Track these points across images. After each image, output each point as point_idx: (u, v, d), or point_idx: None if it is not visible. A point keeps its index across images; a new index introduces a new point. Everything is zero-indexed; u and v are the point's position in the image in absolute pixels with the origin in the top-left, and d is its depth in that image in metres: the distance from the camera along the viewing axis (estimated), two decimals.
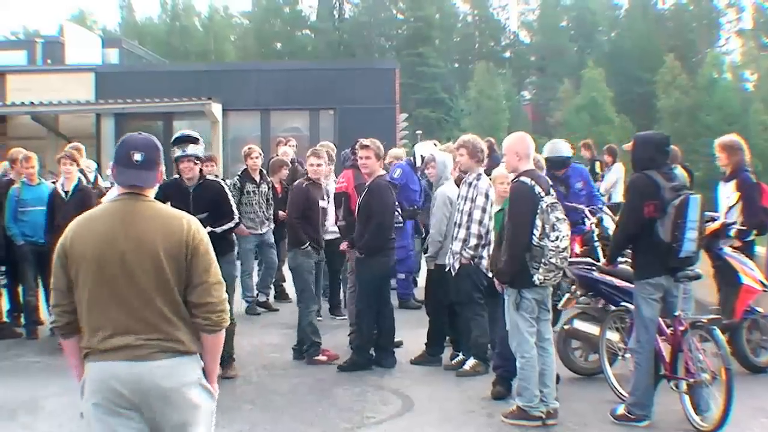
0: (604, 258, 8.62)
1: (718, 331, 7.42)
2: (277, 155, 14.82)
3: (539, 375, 7.67)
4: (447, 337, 10.18)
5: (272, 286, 13.85)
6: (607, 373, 8.59)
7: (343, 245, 10.53)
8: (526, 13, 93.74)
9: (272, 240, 13.24)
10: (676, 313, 7.66)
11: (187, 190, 8.91)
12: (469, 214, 9.22)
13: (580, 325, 9.23)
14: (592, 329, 9.09)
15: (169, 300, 4.14)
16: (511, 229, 7.63)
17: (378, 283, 9.81)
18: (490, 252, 8.65)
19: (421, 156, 12.73)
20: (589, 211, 11.19)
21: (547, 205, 7.50)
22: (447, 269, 9.43)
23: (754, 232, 9.75)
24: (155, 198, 4.34)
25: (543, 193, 7.56)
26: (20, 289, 11.95)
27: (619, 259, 8.38)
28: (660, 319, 7.70)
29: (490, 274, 8.58)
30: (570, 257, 7.92)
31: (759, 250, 10.30)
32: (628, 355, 8.17)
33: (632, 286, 7.87)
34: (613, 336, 8.69)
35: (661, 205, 7.44)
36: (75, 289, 4.17)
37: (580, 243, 10.98)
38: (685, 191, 7.54)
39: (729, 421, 7.14)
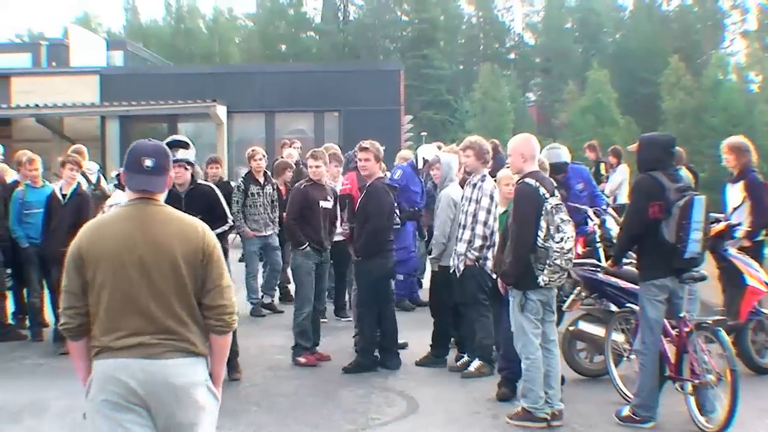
0: (606, 259, 8.60)
1: (723, 333, 7.41)
2: (281, 157, 14.83)
3: (544, 376, 7.67)
4: (452, 339, 10.18)
5: (277, 288, 13.85)
6: (612, 374, 8.59)
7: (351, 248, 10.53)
8: (530, 14, 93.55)
9: (277, 242, 13.20)
10: (682, 315, 7.65)
11: (179, 196, 8.78)
12: (474, 216, 9.22)
13: (585, 326, 9.22)
14: (597, 331, 9.08)
15: (185, 303, 4.26)
16: (516, 231, 7.63)
17: (377, 284, 9.80)
18: (495, 253, 8.65)
19: (423, 158, 12.74)
20: (594, 212, 11.17)
21: (551, 207, 7.50)
22: (451, 271, 9.43)
23: (763, 232, 9.79)
24: None
25: (548, 195, 7.56)
26: (25, 291, 11.96)
27: (624, 260, 8.38)
28: (665, 320, 7.70)
29: (494, 276, 8.57)
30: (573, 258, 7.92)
31: None
32: (633, 357, 8.16)
33: (637, 287, 7.87)
34: (618, 337, 8.69)
35: (666, 206, 7.44)
36: (90, 291, 4.22)
37: (583, 244, 10.97)
38: (690, 192, 7.54)
39: (734, 422, 7.14)
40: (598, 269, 9.04)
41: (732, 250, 9.58)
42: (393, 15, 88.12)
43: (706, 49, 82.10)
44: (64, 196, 11.00)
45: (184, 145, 8.91)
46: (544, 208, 7.49)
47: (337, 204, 10.72)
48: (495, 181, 9.23)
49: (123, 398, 4.14)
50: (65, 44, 36.01)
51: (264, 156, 13.26)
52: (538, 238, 7.47)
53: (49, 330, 11.42)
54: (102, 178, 14.54)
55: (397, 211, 11.25)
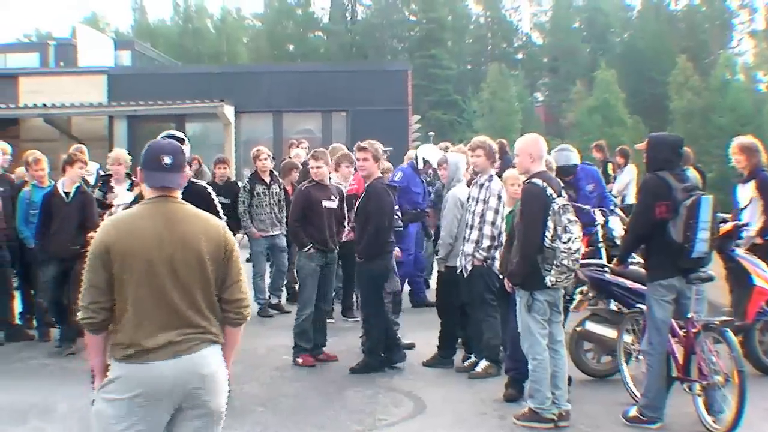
0: (608, 259, 8.58)
1: (730, 333, 7.39)
2: (289, 157, 14.82)
3: (551, 377, 7.66)
4: (459, 339, 10.17)
5: (284, 288, 13.85)
6: (624, 375, 8.57)
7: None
8: (538, 14, 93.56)
9: (284, 243, 13.18)
10: (689, 315, 7.63)
11: None
12: (482, 216, 9.21)
13: (592, 327, 9.20)
14: (604, 331, 9.07)
15: (207, 298, 4.43)
16: (523, 231, 7.62)
17: (378, 284, 9.76)
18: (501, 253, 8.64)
19: (423, 158, 12.72)
20: (600, 212, 11.12)
21: (558, 207, 7.49)
22: (458, 271, 9.42)
23: None
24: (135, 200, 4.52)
25: (555, 195, 7.55)
26: (32, 291, 11.97)
27: (631, 260, 8.36)
28: (673, 320, 7.68)
29: (501, 276, 8.56)
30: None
31: None
32: (641, 357, 8.14)
33: (645, 288, 7.85)
34: (627, 338, 8.67)
35: (673, 206, 7.43)
36: (117, 286, 4.30)
37: (586, 244, 10.94)
38: (697, 192, 7.53)
39: (742, 423, 7.11)
40: (605, 269, 9.02)
41: (739, 251, 9.57)
42: (401, 15, 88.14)
43: (713, 48, 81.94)
44: (66, 194, 10.79)
45: (179, 141, 8.86)
46: (551, 208, 7.48)
47: (344, 204, 10.69)
48: (502, 180, 9.21)
49: (153, 398, 4.25)
50: (73, 44, 36.12)
51: (269, 155, 13.25)
52: (546, 238, 7.46)
53: (56, 330, 11.41)
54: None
55: (399, 214, 11.24)
